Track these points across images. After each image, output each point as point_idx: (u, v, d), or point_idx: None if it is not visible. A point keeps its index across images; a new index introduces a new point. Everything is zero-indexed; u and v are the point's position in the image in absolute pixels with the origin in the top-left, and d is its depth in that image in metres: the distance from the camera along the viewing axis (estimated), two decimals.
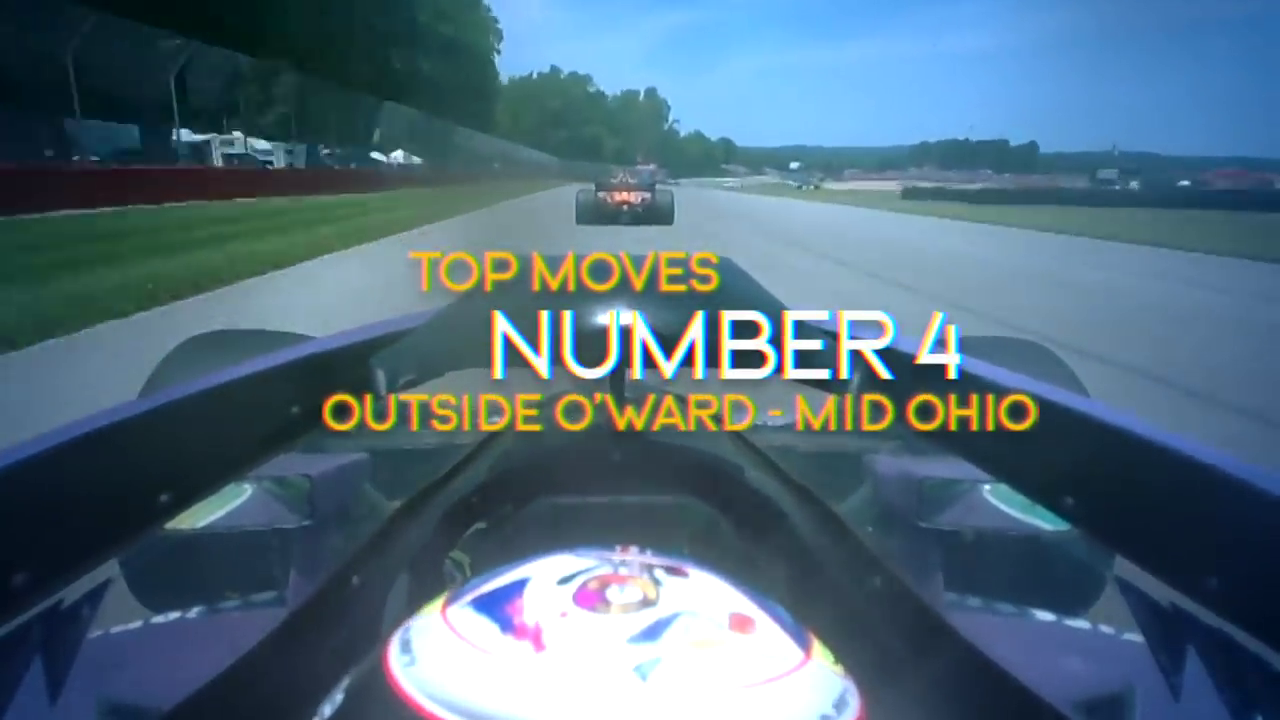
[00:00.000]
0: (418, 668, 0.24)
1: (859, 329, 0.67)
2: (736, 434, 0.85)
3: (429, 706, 0.22)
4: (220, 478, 0.52)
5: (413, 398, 1.25)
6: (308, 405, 0.58)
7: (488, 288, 0.64)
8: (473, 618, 0.26)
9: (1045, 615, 0.54)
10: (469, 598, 0.27)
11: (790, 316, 0.63)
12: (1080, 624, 0.53)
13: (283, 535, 0.61)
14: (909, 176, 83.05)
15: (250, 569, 0.60)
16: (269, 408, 0.56)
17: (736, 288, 0.64)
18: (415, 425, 1.21)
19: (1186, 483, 0.39)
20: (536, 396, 0.96)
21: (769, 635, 0.25)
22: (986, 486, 0.64)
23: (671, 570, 0.28)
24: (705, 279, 0.65)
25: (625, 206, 13.11)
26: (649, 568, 0.28)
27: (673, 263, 0.70)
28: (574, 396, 0.90)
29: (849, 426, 1.13)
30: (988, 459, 0.53)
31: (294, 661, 0.46)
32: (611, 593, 0.25)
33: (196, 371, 0.54)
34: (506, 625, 0.24)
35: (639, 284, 0.59)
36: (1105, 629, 0.51)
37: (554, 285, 0.62)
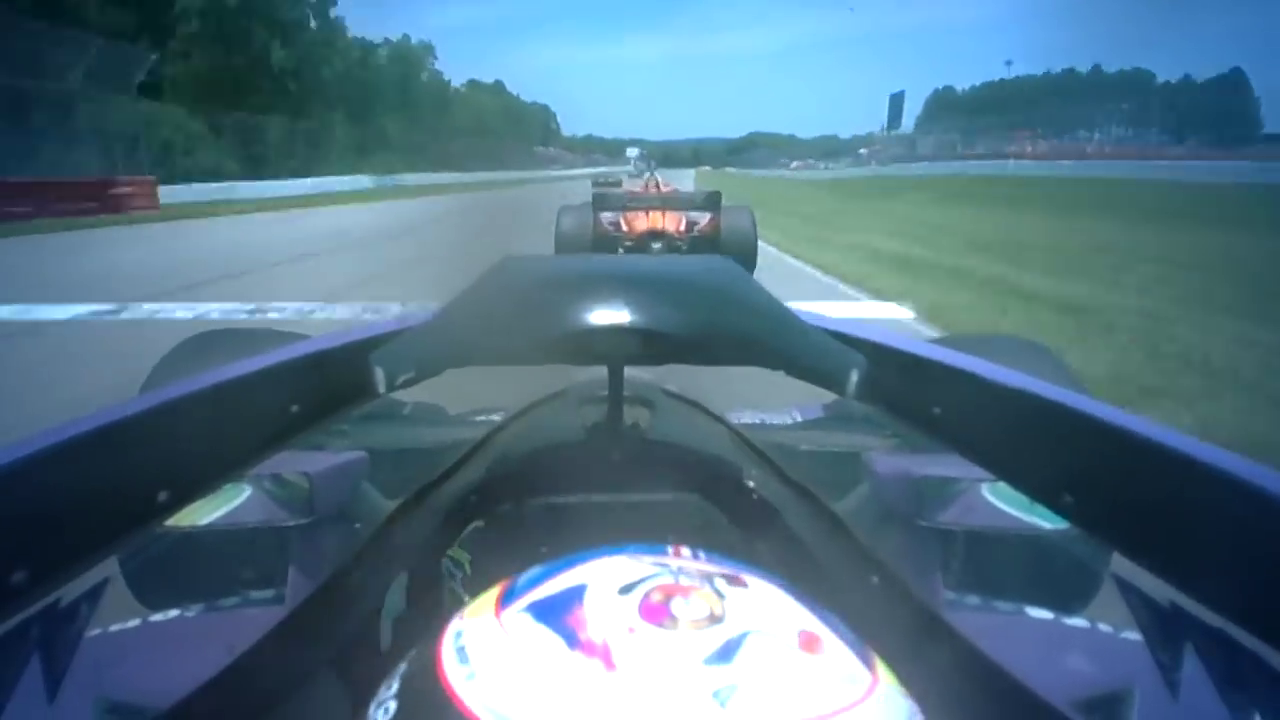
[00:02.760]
0: (478, 681, 0.23)
1: (858, 327, 0.67)
2: (735, 432, 0.85)
3: None
4: (219, 476, 0.52)
5: (412, 396, 1.25)
6: (307, 403, 0.58)
7: (487, 287, 0.64)
8: (532, 626, 0.25)
9: (1044, 613, 0.54)
10: (524, 602, 0.26)
11: (790, 315, 0.63)
12: (1079, 622, 0.53)
13: (281, 534, 0.61)
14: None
15: (249, 567, 0.59)
16: (268, 406, 0.56)
17: (736, 286, 0.64)
18: (414, 423, 1.21)
19: (1185, 481, 0.39)
20: (536, 394, 0.96)
21: (837, 655, 0.24)
22: (985, 485, 0.64)
23: (731, 579, 0.27)
24: (705, 278, 0.65)
25: (658, 244, 7.06)
26: (708, 576, 0.27)
27: (672, 262, 0.70)
28: (574, 394, 0.90)
29: (848, 424, 1.13)
30: (986, 457, 0.53)
31: (293, 660, 0.46)
32: (677, 606, 0.25)
33: (196, 369, 0.54)
34: (572, 639, 0.23)
35: (639, 283, 0.59)
36: (1104, 627, 0.51)
37: (554, 284, 0.62)
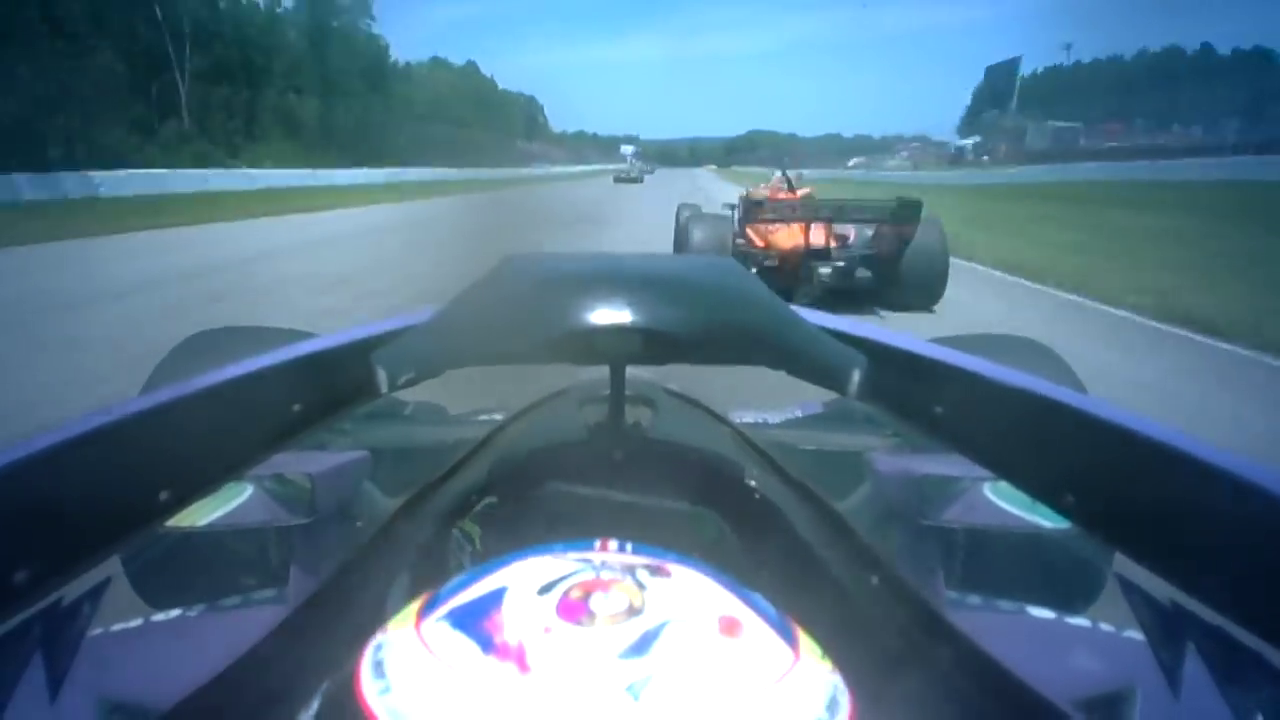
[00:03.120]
0: (393, 695, 0.23)
1: (859, 326, 0.67)
2: (737, 431, 0.85)
3: None
4: (221, 475, 0.52)
5: (413, 396, 1.25)
6: (309, 403, 0.58)
7: (489, 286, 0.64)
8: (449, 634, 0.24)
9: (1046, 613, 0.54)
10: (443, 610, 0.26)
11: (791, 314, 0.63)
12: (1081, 621, 0.53)
13: (283, 533, 0.61)
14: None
15: (251, 567, 0.59)
16: (270, 405, 0.56)
17: (737, 286, 0.64)
18: (416, 423, 1.21)
19: (1187, 480, 0.39)
20: (537, 394, 0.96)
21: (758, 636, 0.25)
22: (987, 484, 0.64)
23: (654, 570, 0.27)
24: (707, 276, 0.65)
25: (826, 269, 5.47)
26: (631, 568, 0.27)
27: (674, 261, 0.70)
28: (575, 394, 0.90)
29: (849, 424, 1.13)
30: (988, 456, 0.53)
31: (295, 660, 0.46)
32: (595, 601, 0.24)
33: (198, 368, 0.54)
34: (487, 644, 0.23)
35: (641, 282, 0.59)
36: (1106, 626, 0.51)
37: (555, 283, 0.62)
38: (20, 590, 0.36)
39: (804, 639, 0.26)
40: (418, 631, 0.25)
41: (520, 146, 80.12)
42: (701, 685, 0.22)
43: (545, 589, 0.25)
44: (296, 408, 0.57)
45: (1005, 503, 0.62)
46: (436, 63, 71.51)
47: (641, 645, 0.23)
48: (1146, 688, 0.45)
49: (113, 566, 0.50)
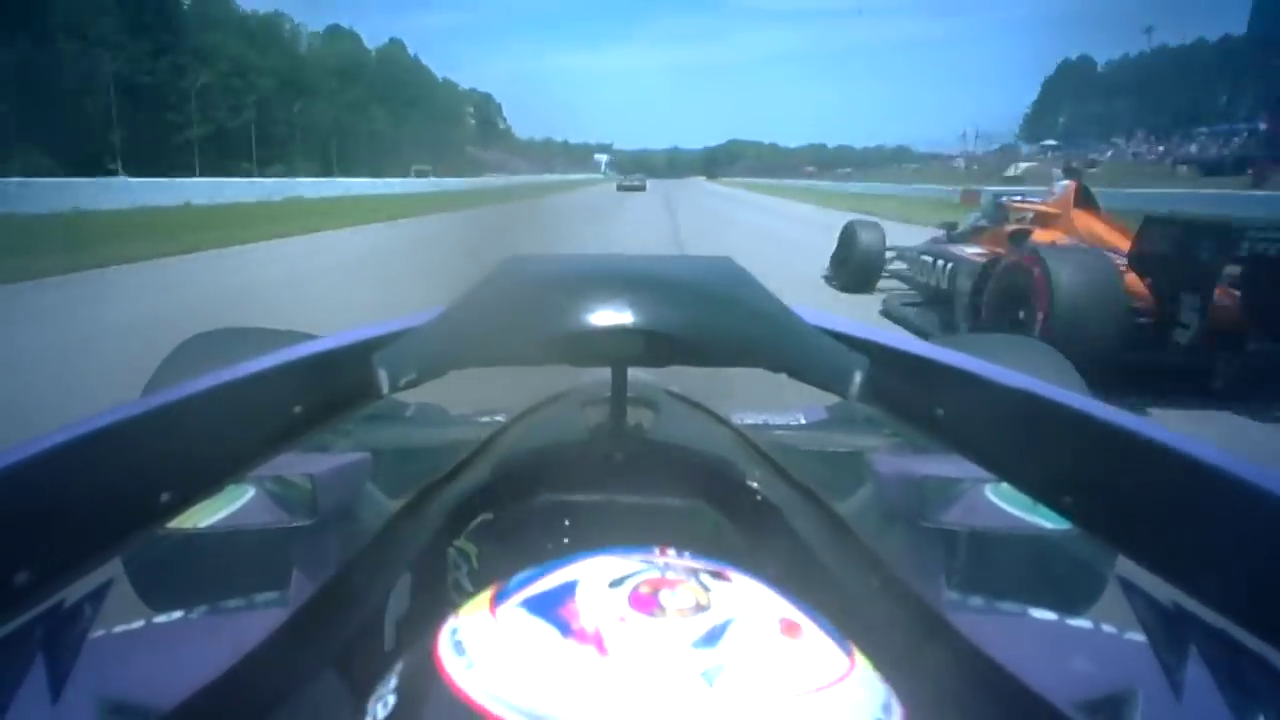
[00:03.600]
0: (477, 670, 0.24)
1: (860, 328, 0.67)
2: (738, 432, 0.85)
3: (496, 710, 0.22)
4: (222, 477, 0.52)
5: (415, 398, 1.25)
6: (310, 404, 0.58)
7: (490, 288, 0.64)
8: (526, 619, 0.26)
9: (1047, 614, 0.54)
10: (518, 598, 0.27)
11: (793, 317, 0.63)
12: (1082, 623, 0.53)
13: (284, 535, 0.61)
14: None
15: (252, 569, 0.59)
16: (271, 407, 0.56)
17: (738, 287, 0.64)
18: (417, 424, 1.21)
19: (1188, 481, 0.39)
20: (538, 395, 0.96)
21: (816, 641, 0.26)
22: (988, 486, 0.64)
23: (715, 575, 0.28)
24: (709, 279, 0.66)
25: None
26: (694, 572, 0.28)
27: (675, 263, 0.70)
28: (576, 395, 0.90)
29: (850, 426, 1.13)
30: (989, 458, 0.53)
31: (296, 661, 0.46)
32: (664, 597, 0.26)
33: (199, 370, 0.54)
34: (565, 629, 0.24)
35: (642, 284, 0.59)
36: (1107, 628, 0.51)
37: (557, 285, 0.62)
38: (22, 591, 0.36)
39: (856, 650, 0.27)
40: (494, 615, 0.26)
41: (471, 153, 66.36)
42: (769, 678, 0.23)
43: (615, 583, 0.27)
44: (298, 409, 0.57)
45: (1006, 504, 0.62)
46: (336, 32, 46.25)
47: (711, 638, 0.24)
48: (1147, 689, 0.45)
49: (114, 568, 0.50)
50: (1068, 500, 0.46)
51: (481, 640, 0.25)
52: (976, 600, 0.58)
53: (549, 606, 0.26)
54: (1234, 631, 0.37)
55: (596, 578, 0.27)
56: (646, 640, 0.24)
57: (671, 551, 0.30)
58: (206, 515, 0.58)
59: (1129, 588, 0.52)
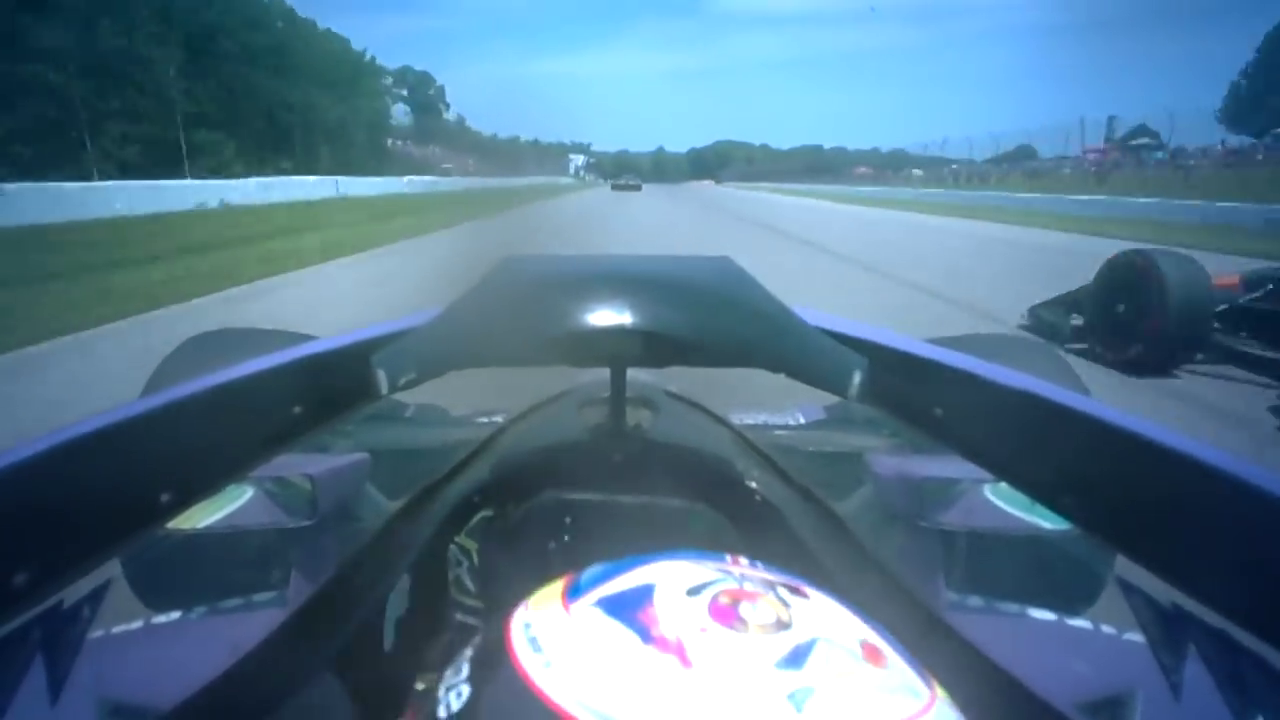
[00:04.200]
0: (555, 670, 0.23)
1: (859, 328, 0.67)
2: (737, 432, 0.85)
3: (576, 712, 0.22)
4: (222, 478, 0.52)
5: (414, 398, 1.25)
6: (309, 405, 0.58)
7: (489, 288, 0.64)
8: (604, 621, 0.25)
9: (1046, 615, 0.54)
10: (592, 597, 0.26)
11: (791, 315, 0.63)
12: (1081, 623, 0.53)
13: (284, 535, 0.61)
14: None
15: (251, 569, 0.60)
16: (270, 408, 0.56)
17: (738, 287, 0.64)
18: (417, 425, 1.21)
19: (1187, 482, 0.39)
20: (538, 396, 0.96)
21: (899, 669, 0.25)
22: (987, 486, 0.64)
23: (792, 589, 0.27)
24: (708, 279, 0.65)
25: None
26: (771, 585, 0.27)
27: (674, 262, 0.70)
28: (575, 396, 0.90)
29: (849, 426, 1.13)
30: (988, 458, 0.53)
31: (295, 661, 0.46)
32: (745, 610, 0.25)
33: (199, 371, 0.54)
34: (645, 635, 0.24)
35: (641, 284, 0.59)
36: (1106, 628, 0.51)
37: (556, 285, 0.62)
38: (22, 592, 0.36)
39: (933, 678, 0.26)
40: (568, 612, 0.26)
41: (396, 148, 49.33)
42: (856, 705, 0.22)
43: (694, 591, 0.26)
44: (297, 410, 0.57)
45: (1005, 504, 0.62)
46: None
47: (795, 658, 0.23)
48: (1147, 688, 0.45)
49: (114, 568, 0.50)
50: (1067, 500, 0.46)
51: (558, 638, 0.25)
52: (976, 600, 0.58)
53: (626, 609, 0.25)
54: (1233, 631, 0.37)
55: (673, 583, 0.26)
56: (730, 655, 0.23)
57: (744, 560, 0.29)
58: (206, 515, 0.58)
59: (1128, 588, 0.52)
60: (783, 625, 0.24)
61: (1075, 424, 0.46)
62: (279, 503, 0.64)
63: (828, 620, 0.26)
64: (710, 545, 0.65)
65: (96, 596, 0.49)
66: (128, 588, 0.52)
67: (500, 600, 0.46)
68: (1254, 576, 0.36)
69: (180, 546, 0.58)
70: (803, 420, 1.21)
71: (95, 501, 0.41)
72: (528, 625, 0.26)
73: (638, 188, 44.45)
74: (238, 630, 0.48)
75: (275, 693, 0.44)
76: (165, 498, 0.45)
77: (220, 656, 0.43)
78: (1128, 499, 0.42)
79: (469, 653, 0.27)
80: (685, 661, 0.23)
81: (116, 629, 0.49)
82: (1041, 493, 0.48)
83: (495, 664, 0.25)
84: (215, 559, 0.60)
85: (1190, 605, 0.41)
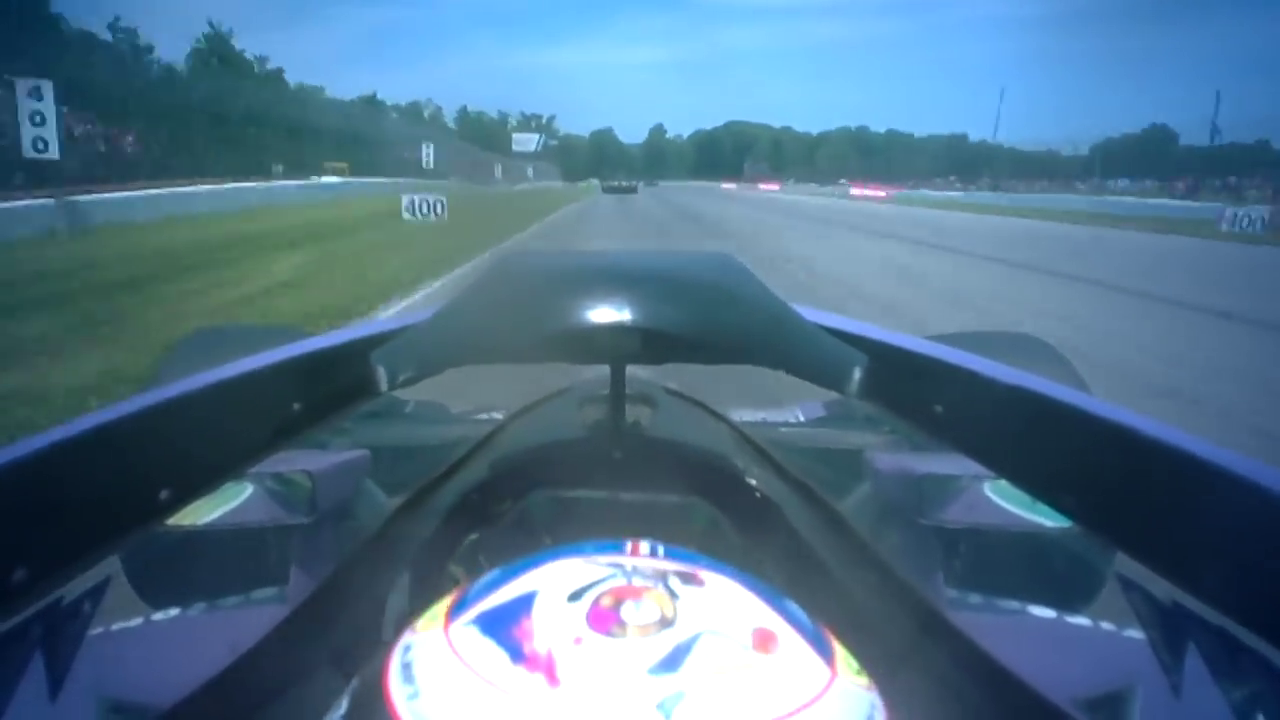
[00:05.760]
0: (421, 701, 0.22)
1: (859, 325, 0.67)
2: (736, 429, 0.85)
3: None
4: (221, 474, 0.52)
5: (414, 395, 1.25)
6: (309, 402, 0.58)
7: (489, 285, 0.64)
8: (479, 640, 0.24)
9: (1046, 612, 0.54)
10: (472, 613, 0.25)
11: (791, 312, 0.63)
12: (1082, 621, 0.53)
13: (283, 532, 0.61)
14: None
15: (251, 566, 0.60)
16: (270, 404, 0.56)
17: (738, 284, 0.64)
18: (416, 422, 1.22)
19: (1187, 479, 0.39)
20: (537, 393, 0.96)
21: (793, 651, 0.24)
22: (987, 483, 0.64)
23: (686, 577, 0.26)
24: (708, 275, 0.65)
25: None
26: (663, 575, 0.26)
27: (674, 259, 0.70)
28: (575, 393, 0.90)
29: (849, 423, 1.13)
30: (988, 455, 0.53)
31: (295, 659, 0.47)
32: (627, 611, 0.24)
33: (198, 367, 0.54)
34: (516, 653, 0.23)
35: (641, 281, 0.59)
36: (1107, 625, 0.51)
37: (555, 282, 0.62)
38: (20, 589, 0.36)
39: (840, 651, 0.25)
40: (447, 635, 0.24)
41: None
42: (735, 704, 0.21)
43: (575, 595, 0.25)
44: (297, 406, 0.57)
45: (1005, 502, 0.62)
46: None
47: (673, 660, 0.22)
48: (1147, 686, 0.45)
49: (113, 565, 0.50)
50: (1067, 498, 0.46)
51: (430, 665, 0.23)
52: (975, 598, 0.58)
53: (503, 625, 0.24)
54: (1233, 630, 0.37)
55: (557, 588, 0.25)
56: (601, 667, 0.22)
57: (645, 548, 0.29)
58: (205, 512, 0.58)
59: (1128, 585, 0.52)
60: (666, 623, 0.24)
61: (1075, 421, 0.46)
62: (278, 499, 0.64)
63: (718, 610, 0.25)
64: (710, 543, 0.65)
65: (96, 593, 0.49)
66: (127, 584, 0.52)
67: None
68: (1255, 574, 0.36)
69: (179, 543, 0.58)
70: (802, 417, 1.21)
71: (94, 498, 0.41)
72: (407, 649, 0.25)
73: (633, 190, 40.25)
74: (237, 627, 0.48)
75: (275, 689, 0.44)
76: (164, 494, 0.45)
77: (219, 653, 0.43)
78: (1128, 496, 0.42)
79: (355, 682, 0.26)
80: (553, 680, 0.22)
81: (116, 626, 0.49)
82: (1041, 490, 0.48)
83: (369, 696, 0.24)
84: (214, 556, 0.60)
85: (1190, 603, 0.41)
